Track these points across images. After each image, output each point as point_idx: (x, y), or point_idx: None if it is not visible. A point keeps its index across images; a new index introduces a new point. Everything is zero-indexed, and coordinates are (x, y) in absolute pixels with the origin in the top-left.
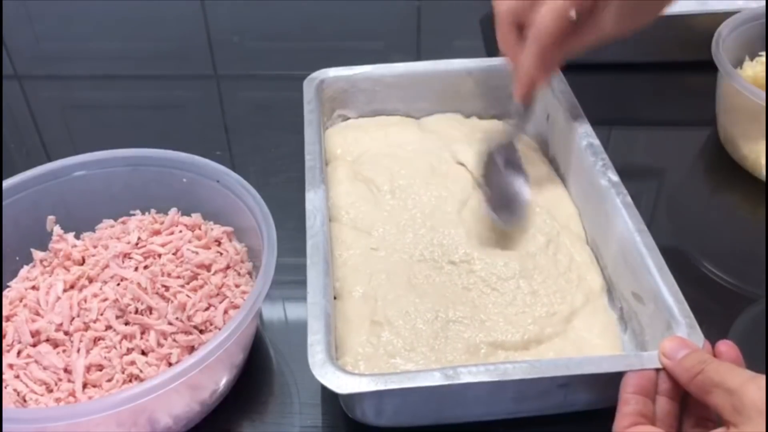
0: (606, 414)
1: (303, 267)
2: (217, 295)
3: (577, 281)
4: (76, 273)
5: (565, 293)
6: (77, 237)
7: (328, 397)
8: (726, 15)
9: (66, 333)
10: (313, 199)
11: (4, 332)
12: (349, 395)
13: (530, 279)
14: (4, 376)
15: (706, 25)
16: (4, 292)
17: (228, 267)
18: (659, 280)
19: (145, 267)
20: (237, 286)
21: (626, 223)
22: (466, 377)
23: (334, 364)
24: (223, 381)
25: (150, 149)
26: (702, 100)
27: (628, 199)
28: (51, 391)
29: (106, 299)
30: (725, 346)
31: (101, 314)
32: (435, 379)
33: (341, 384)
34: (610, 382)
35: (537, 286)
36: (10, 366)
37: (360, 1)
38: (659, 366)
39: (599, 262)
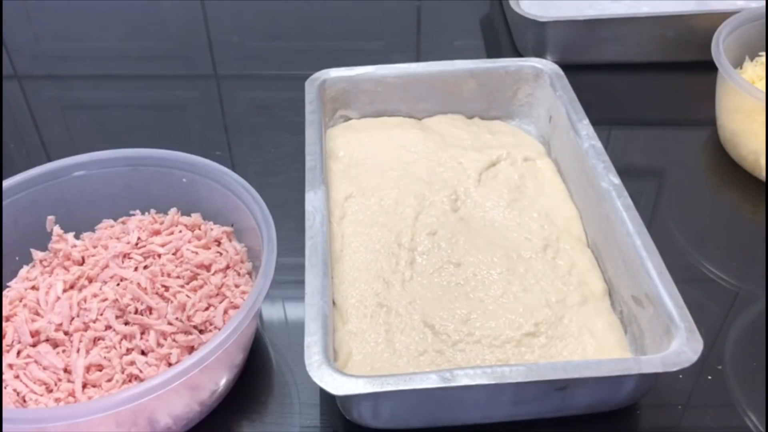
0: (604, 417)
1: (303, 267)
2: (217, 295)
3: (577, 285)
4: (76, 273)
5: (564, 296)
6: (77, 237)
7: (328, 397)
8: (726, 15)
9: (66, 333)
10: (312, 199)
11: (3, 332)
12: (345, 397)
13: (522, 278)
14: (4, 376)
15: (706, 25)
16: (4, 292)
17: (228, 267)
18: (659, 283)
19: (145, 267)
20: (237, 286)
21: (626, 225)
22: (463, 380)
23: (331, 366)
24: (222, 381)
25: (150, 149)
26: (702, 100)
27: (629, 201)
28: (51, 391)
29: (105, 299)
30: None
31: (101, 314)
32: (431, 382)
33: (337, 385)
34: (608, 385)
35: (530, 286)
36: (10, 366)
37: (360, 1)
38: (657, 371)
39: (600, 265)
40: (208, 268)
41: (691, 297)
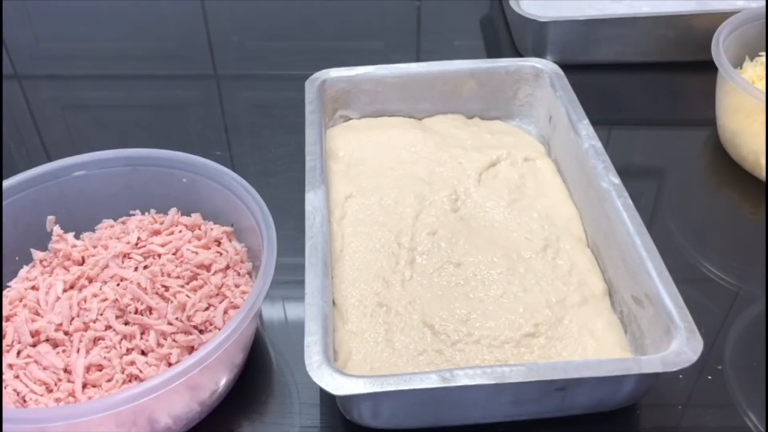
0: (604, 417)
1: (303, 267)
2: (217, 295)
3: (577, 285)
4: (76, 273)
5: (564, 296)
6: (77, 237)
7: (328, 397)
8: (726, 15)
9: (66, 333)
10: (312, 199)
11: (4, 332)
12: (345, 397)
13: (522, 278)
14: (4, 376)
15: (706, 25)
16: (4, 292)
17: (228, 267)
18: (659, 283)
19: (145, 267)
20: (237, 286)
21: (626, 225)
22: (463, 380)
23: (331, 366)
24: (222, 381)
25: (150, 149)
26: (702, 100)
27: (629, 201)
28: (51, 391)
29: (105, 299)
30: None
31: (101, 314)
32: (431, 382)
33: (337, 385)
34: (608, 385)
35: (530, 286)
36: (10, 366)
37: (360, 1)
38: (657, 371)
39: (600, 265)
40: (208, 268)
41: (691, 297)
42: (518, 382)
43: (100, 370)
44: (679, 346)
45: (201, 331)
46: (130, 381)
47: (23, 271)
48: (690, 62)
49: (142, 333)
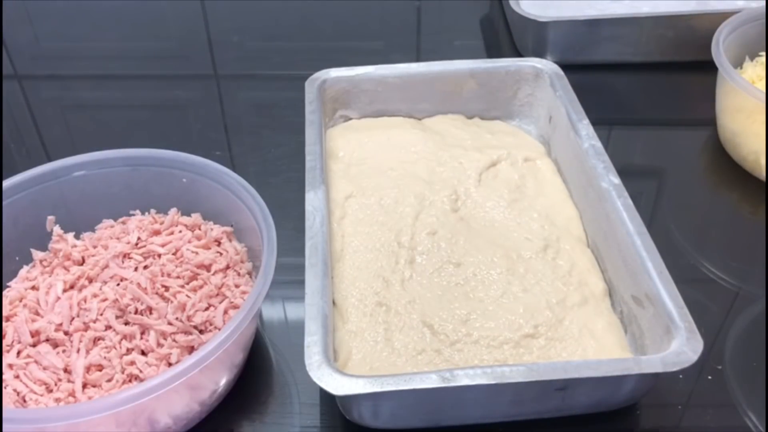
0: (604, 417)
1: (303, 267)
2: (217, 295)
3: (577, 285)
4: (76, 273)
5: (564, 296)
6: (77, 237)
7: (328, 397)
8: (726, 15)
9: (66, 333)
10: (312, 199)
11: (4, 332)
12: (345, 397)
13: (522, 278)
14: (4, 376)
15: (706, 25)
16: (4, 292)
17: (228, 267)
18: (659, 283)
19: (145, 267)
20: (237, 286)
21: (626, 225)
22: (463, 380)
23: (331, 366)
24: (222, 381)
25: (150, 149)
26: (702, 100)
27: (629, 201)
28: (51, 391)
29: (105, 299)
30: None
31: (101, 314)
32: (431, 382)
33: (337, 385)
34: (608, 385)
35: (530, 287)
36: (10, 366)
37: (360, 1)
38: (657, 371)
39: (600, 265)
40: (208, 268)
41: (691, 297)
42: (518, 382)
43: (100, 370)
44: (679, 346)
45: (201, 331)
46: (130, 381)
47: (23, 271)
48: (690, 62)
49: (142, 333)
